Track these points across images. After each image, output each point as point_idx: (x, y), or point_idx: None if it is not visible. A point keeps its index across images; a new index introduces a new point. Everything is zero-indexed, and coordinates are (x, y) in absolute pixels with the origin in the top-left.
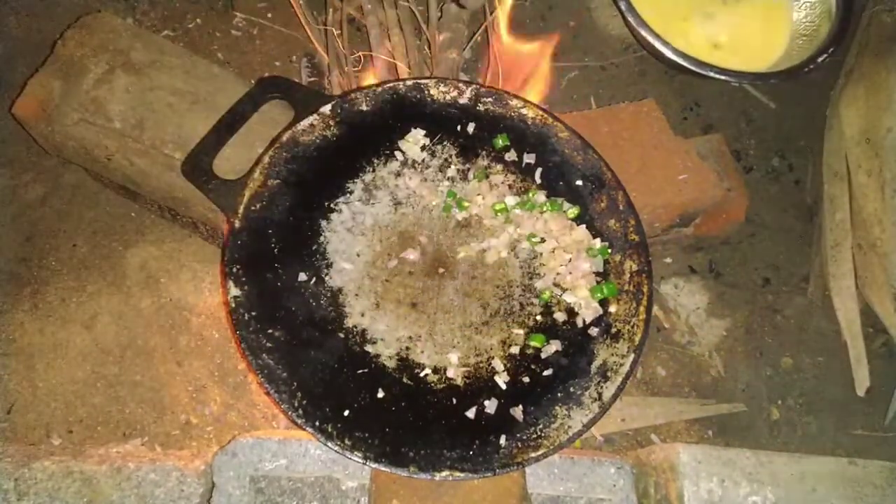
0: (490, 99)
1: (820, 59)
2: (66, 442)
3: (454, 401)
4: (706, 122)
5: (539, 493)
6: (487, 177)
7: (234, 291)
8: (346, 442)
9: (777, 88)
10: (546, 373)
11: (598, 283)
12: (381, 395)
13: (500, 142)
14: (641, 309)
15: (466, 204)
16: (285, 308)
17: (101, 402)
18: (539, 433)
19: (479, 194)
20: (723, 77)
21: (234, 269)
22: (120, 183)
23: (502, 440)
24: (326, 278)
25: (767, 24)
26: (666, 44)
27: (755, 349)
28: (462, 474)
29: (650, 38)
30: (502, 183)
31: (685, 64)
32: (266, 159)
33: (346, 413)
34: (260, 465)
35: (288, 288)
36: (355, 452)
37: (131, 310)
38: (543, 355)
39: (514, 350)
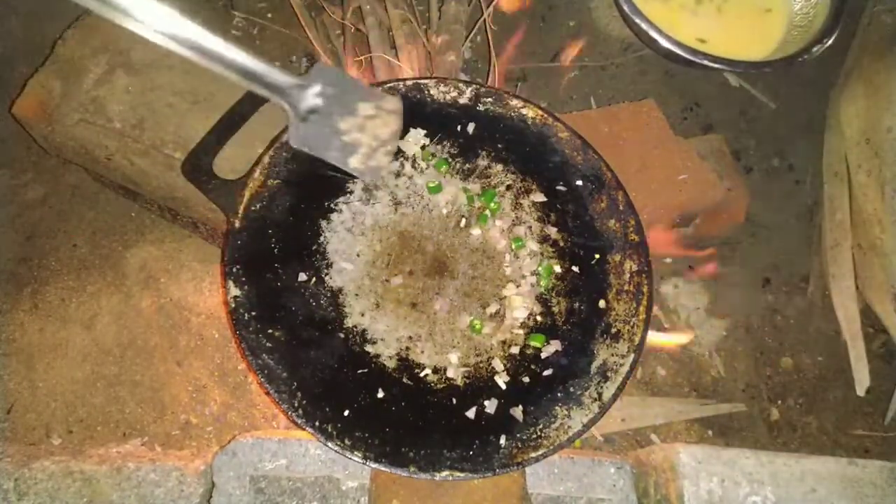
0: (490, 99)
1: (814, 49)
2: (66, 442)
3: (454, 401)
4: (706, 122)
5: (539, 493)
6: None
7: (234, 291)
8: (346, 442)
9: (777, 88)
10: (546, 373)
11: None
12: (381, 395)
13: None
14: (641, 309)
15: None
16: (285, 308)
17: (101, 402)
18: (539, 433)
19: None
20: (716, 66)
21: (234, 269)
22: (120, 183)
23: (502, 440)
24: (326, 278)
25: (761, 20)
26: (660, 32)
27: (755, 349)
28: (462, 474)
29: (644, 26)
30: (501, 183)
31: (678, 52)
32: (266, 159)
33: (346, 413)
34: (260, 465)
35: (288, 288)
36: (355, 452)
37: (131, 310)
38: (543, 355)
39: (514, 350)
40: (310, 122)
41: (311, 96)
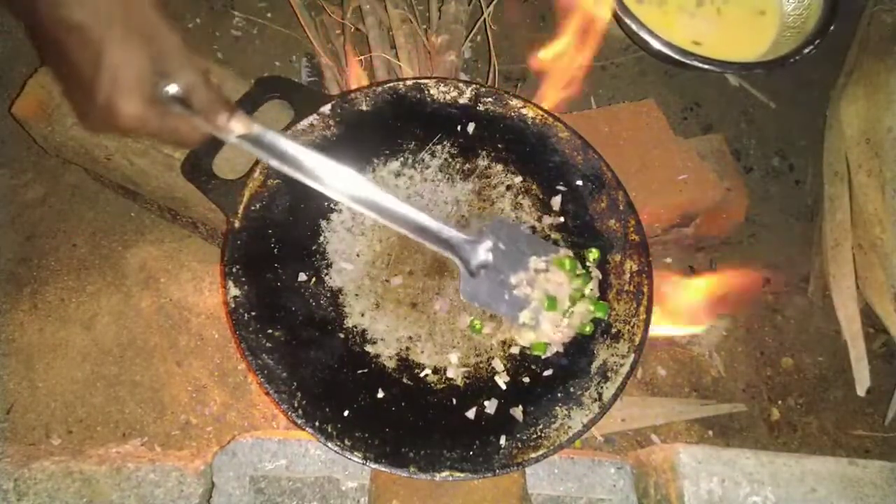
0: (490, 99)
1: (806, 51)
2: (65, 442)
3: (454, 401)
4: (706, 122)
5: (539, 493)
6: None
7: (234, 291)
8: (346, 442)
9: (777, 88)
10: (546, 373)
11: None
12: (381, 395)
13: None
14: (641, 309)
15: None
16: (285, 308)
17: (101, 402)
18: (539, 433)
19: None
20: (706, 66)
21: (234, 269)
22: (120, 183)
23: (502, 440)
24: (326, 278)
25: (755, 22)
26: (650, 32)
27: (755, 349)
28: (462, 474)
29: (635, 27)
30: (501, 183)
31: (669, 52)
32: None
33: (346, 413)
34: (260, 466)
35: (288, 288)
36: (355, 452)
37: (131, 310)
38: (543, 356)
39: (515, 350)
40: (480, 276)
41: (483, 252)
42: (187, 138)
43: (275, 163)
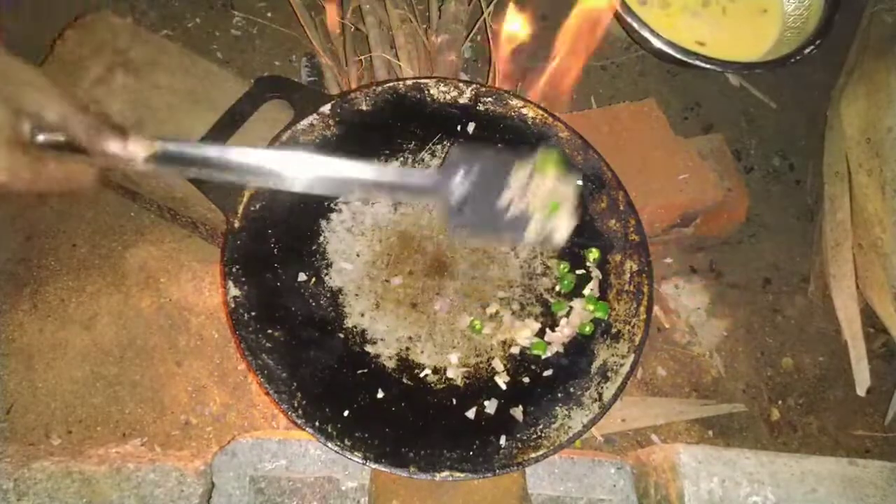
0: (490, 99)
1: (807, 51)
2: (65, 442)
3: (454, 401)
4: (707, 122)
5: (539, 493)
6: None
7: (234, 291)
8: (346, 442)
9: (778, 88)
10: (546, 373)
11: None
12: (381, 395)
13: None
14: (642, 309)
15: None
16: (285, 308)
17: (101, 402)
18: (539, 433)
19: None
20: (708, 66)
21: (234, 269)
22: (120, 183)
23: (502, 440)
24: (326, 278)
25: (757, 21)
26: (651, 31)
27: (755, 349)
28: (462, 474)
29: (636, 25)
30: None
31: (670, 51)
32: None
33: (346, 413)
34: (260, 466)
35: (288, 288)
36: (355, 452)
37: (131, 310)
38: (544, 356)
39: (515, 350)
40: (467, 211)
41: (458, 184)
42: (80, 178)
43: (196, 172)
